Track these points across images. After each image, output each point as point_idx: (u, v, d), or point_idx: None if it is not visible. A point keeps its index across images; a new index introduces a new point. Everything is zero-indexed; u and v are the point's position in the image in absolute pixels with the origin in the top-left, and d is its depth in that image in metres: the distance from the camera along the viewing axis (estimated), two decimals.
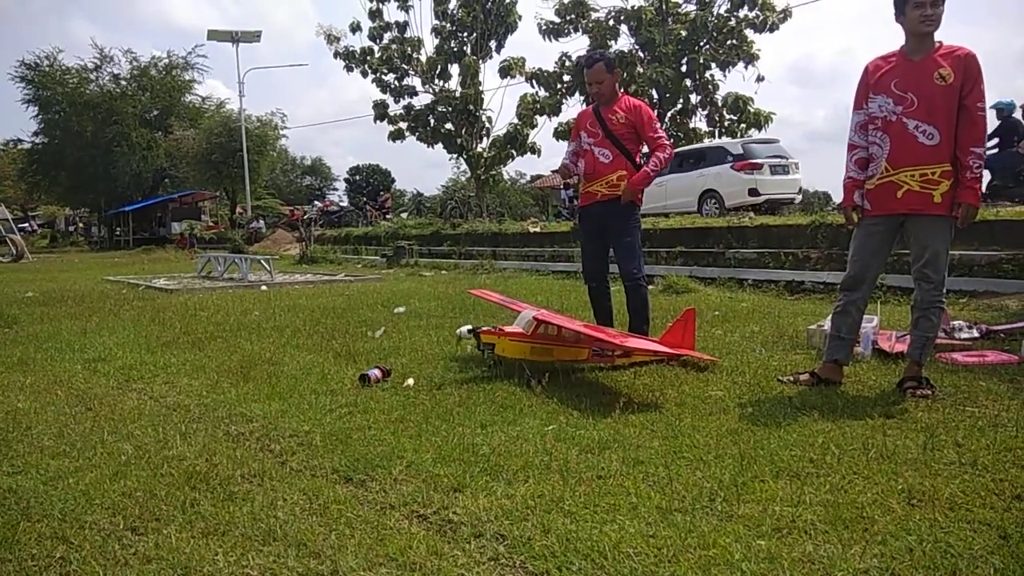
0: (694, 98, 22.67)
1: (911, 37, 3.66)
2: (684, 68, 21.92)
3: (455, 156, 28.38)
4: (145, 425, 3.44)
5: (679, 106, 22.84)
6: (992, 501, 2.25)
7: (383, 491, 2.51)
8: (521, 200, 49.66)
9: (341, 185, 71.89)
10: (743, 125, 22.58)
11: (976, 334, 5.29)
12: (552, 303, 8.09)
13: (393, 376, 4.29)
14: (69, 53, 64.06)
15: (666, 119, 22.80)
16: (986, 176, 9.62)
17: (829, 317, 5.28)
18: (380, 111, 27.77)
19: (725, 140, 18.95)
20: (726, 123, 23.21)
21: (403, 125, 27.86)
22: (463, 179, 55.57)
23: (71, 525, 2.28)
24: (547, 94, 23.83)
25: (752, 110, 21.91)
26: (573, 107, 24.34)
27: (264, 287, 11.27)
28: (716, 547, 1.97)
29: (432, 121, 27.14)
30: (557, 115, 23.85)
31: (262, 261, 12.64)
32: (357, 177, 75.15)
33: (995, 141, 10.79)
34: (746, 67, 21.60)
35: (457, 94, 26.50)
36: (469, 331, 4.18)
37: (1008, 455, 2.68)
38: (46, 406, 3.85)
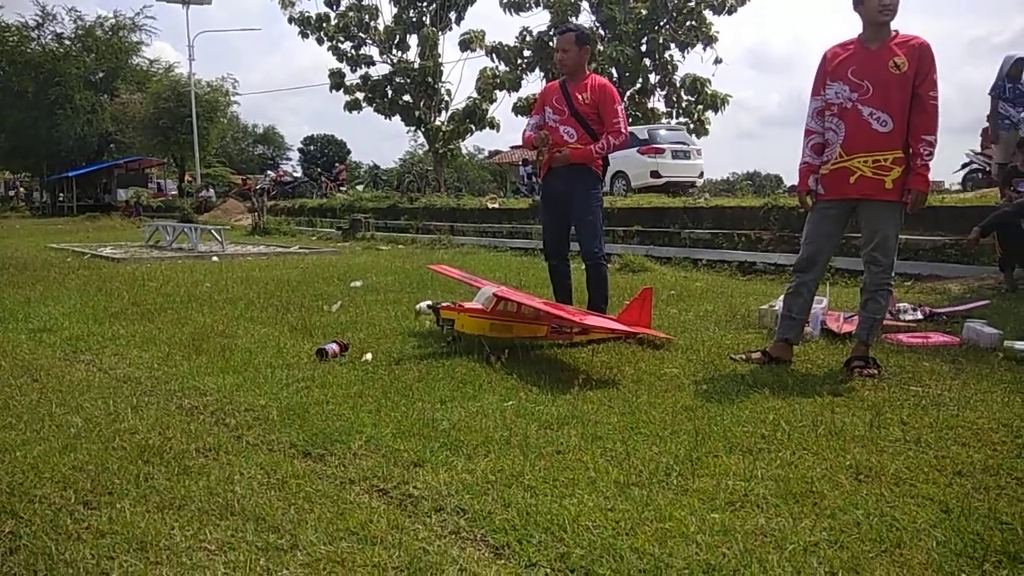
0: (653, 78, 22.76)
1: (869, 26, 3.73)
2: (644, 48, 21.99)
3: (413, 129, 28.05)
4: (95, 397, 3.36)
5: (638, 85, 22.93)
6: (935, 477, 2.34)
7: (342, 466, 2.50)
8: (479, 175, 49.36)
9: (295, 155, 70.47)
10: (700, 106, 22.80)
11: (920, 316, 5.46)
12: (511, 280, 8.10)
13: (351, 351, 4.25)
14: (9, 9, 61.29)
15: (625, 98, 22.86)
16: None
17: (780, 298, 5.41)
18: (336, 80, 27.26)
19: (634, 127, 19.55)
20: (684, 104, 23.40)
21: (360, 96, 27.40)
22: (420, 152, 55.04)
23: (20, 499, 2.23)
24: (507, 69, 23.67)
25: (709, 92, 22.12)
26: (533, 83, 24.26)
27: (215, 258, 11.05)
28: (672, 520, 2.02)
29: (390, 92, 26.75)
30: (517, 91, 23.75)
31: (213, 231, 12.38)
32: (312, 147, 73.85)
33: None
34: (704, 49, 21.79)
35: (416, 66, 26.13)
36: (428, 307, 4.17)
37: (950, 433, 2.79)
38: None
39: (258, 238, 16.68)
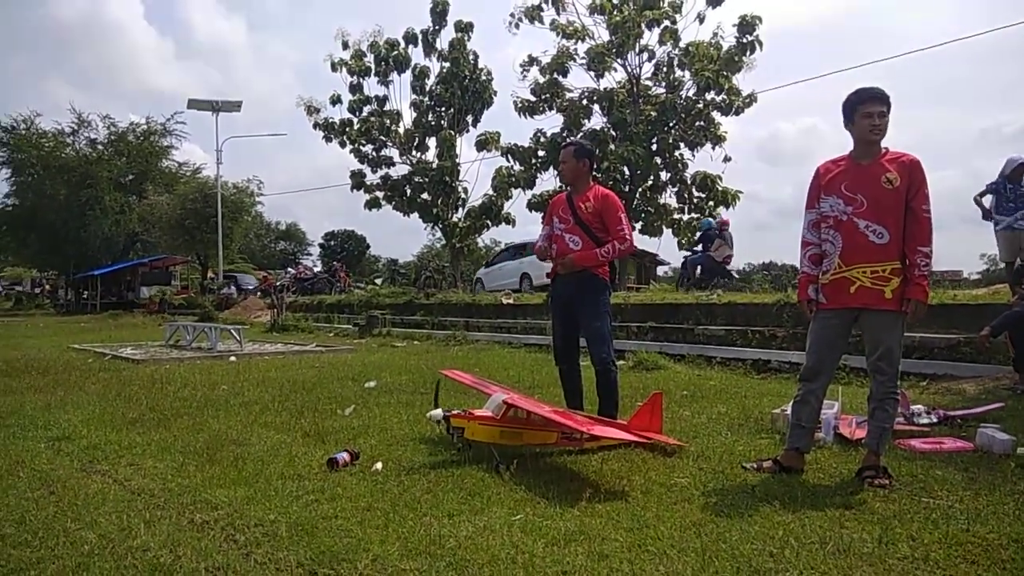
0: (664, 175, 23.29)
1: (860, 144, 3.90)
2: (654, 147, 22.60)
3: (431, 225, 28.67)
4: (109, 511, 3.40)
5: (649, 182, 23.45)
6: None
7: None
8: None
9: (316, 250, 71.91)
10: (711, 203, 23.22)
11: (934, 419, 5.42)
12: (524, 379, 8.16)
13: (361, 459, 4.29)
14: (47, 117, 64.38)
15: (636, 195, 23.38)
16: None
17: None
18: (357, 180, 28.14)
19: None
20: (695, 200, 23.85)
21: (379, 194, 28.22)
22: (438, 246, 56.02)
23: None
24: (522, 168, 24.37)
25: (720, 188, 22.58)
26: (547, 181, 24.88)
27: (233, 358, 11.20)
28: None
29: (408, 191, 27.53)
30: (531, 188, 24.32)
31: (232, 331, 12.58)
32: (332, 242, 75.36)
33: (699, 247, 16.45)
34: (713, 148, 22.32)
35: (434, 166, 26.98)
36: (440, 418, 4.21)
37: (959, 550, 2.76)
38: (7, 490, 3.80)
39: (276, 335, 16.89)
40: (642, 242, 26.81)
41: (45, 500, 3.63)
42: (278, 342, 14.38)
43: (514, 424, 4.28)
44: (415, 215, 28.48)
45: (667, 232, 24.25)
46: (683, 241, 24.51)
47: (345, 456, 4.20)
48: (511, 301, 14.89)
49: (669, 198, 23.86)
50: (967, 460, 4.25)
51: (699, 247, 16.38)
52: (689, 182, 23.01)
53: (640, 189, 23.37)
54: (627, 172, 23.08)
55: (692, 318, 11.03)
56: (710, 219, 18.15)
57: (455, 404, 4.47)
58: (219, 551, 2.89)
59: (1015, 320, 6.54)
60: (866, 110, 3.81)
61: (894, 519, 3.17)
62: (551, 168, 24.00)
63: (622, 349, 10.43)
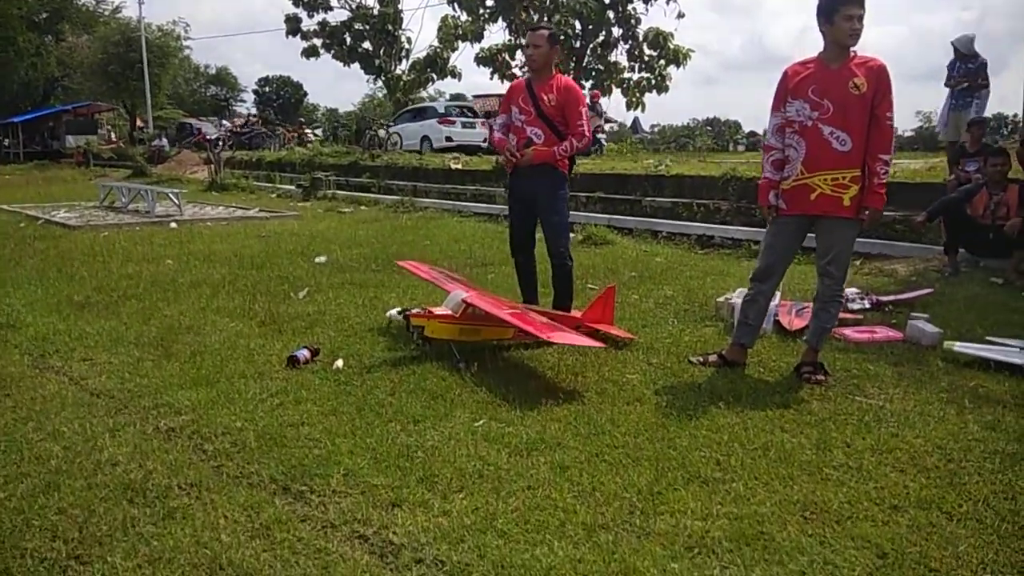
0: (616, 32, 22.50)
1: (833, 46, 3.82)
2: (607, 1, 21.70)
3: (373, 77, 27.47)
4: (70, 418, 3.40)
5: (600, 38, 22.68)
6: (874, 513, 2.55)
7: (323, 505, 2.62)
8: None
9: (249, 96, 68.33)
10: (662, 61, 22.70)
11: (867, 305, 5.71)
12: (475, 253, 8.21)
13: (321, 355, 4.33)
14: None
15: (588, 51, 22.65)
16: None
17: (736, 291, 5.62)
18: (293, 26, 26.49)
19: (435, 102, 25.80)
20: (646, 58, 23.26)
21: (317, 42, 26.70)
22: (379, 96, 53.78)
23: (11, 554, 2.31)
24: (468, 19, 23.21)
25: (672, 46, 22.01)
26: (495, 34, 23.89)
27: (174, 224, 10.89)
28: (636, 572, 2.19)
29: (348, 39, 26.10)
30: (479, 41, 23.31)
31: (170, 194, 12.13)
32: (267, 88, 71.66)
33: None
34: (667, 2, 21.55)
35: (375, 12, 25.49)
36: (399, 312, 4.23)
37: (889, 457, 3.01)
38: None
39: (215, 195, 16.37)
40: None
41: (1, 403, 3.60)
42: (219, 204, 13.96)
43: (473, 321, 4.34)
44: (356, 66, 27.21)
45: (616, 91, 23.85)
46: (631, 101, 24.16)
47: (305, 353, 4.23)
48: (459, 166, 14.65)
49: (620, 56, 23.24)
50: (897, 352, 4.54)
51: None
52: (641, 39, 22.36)
53: (591, 45, 22.64)
54: (578, 26, 22.24)
55: (640, 190, 11.10)
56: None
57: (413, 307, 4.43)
58: (189, 464, 2.95)
59: (949, 206, 6.78)
60: (848, 12, 3.70)
61: (830, 422, 3.40)
62: (500, 20, 22.95)
63: (573, 221, 10.48)
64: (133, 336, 4.78)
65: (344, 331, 4.93)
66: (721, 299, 5.48)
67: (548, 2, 21.48)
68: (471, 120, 21.86)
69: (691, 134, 74.09)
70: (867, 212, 3.85)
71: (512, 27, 22.86)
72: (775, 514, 2.55)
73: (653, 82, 23.00)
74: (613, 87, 23.31)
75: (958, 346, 4.38)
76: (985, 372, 4.11)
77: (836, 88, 3.79)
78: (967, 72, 8.40)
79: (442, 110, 22.16)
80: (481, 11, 22.87)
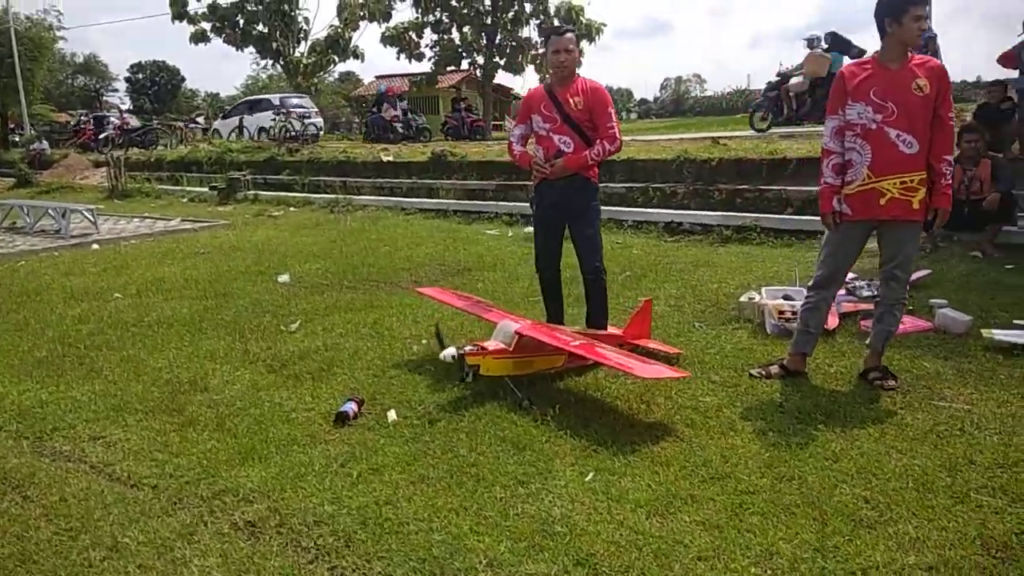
0: (528, 7, 22.24)
1: (897, 46, 3.71)
2: None
3: (271, 62, 26.14)
4: (123, 522, 2.92)
5: (511, 14, 22.34)
6: None
7: None
8: (332, 102, 46.74)
9: (122, 85, 64.02)
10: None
11: (874, 292, 5.75)
12: (447, 259, 7.84)
13: (366, 404, 3.96)
14: None
15: (499, 29, 22.28)
16: None
17: (756, 288, 5.56)
18: (178, 9, 24.76)
19: (271, 95, 25.91)
20: None
21: (206, 26, 25.09)
22: (264, 77, 51.33)
23: None
24: None
25: (584, 21, 21.95)
26: (402, 11, 23.11)
27: (96, 245, 9.95)
28: None
29: (241, 22, 24.64)
30: (387, 21, 22.52)
31: (83, 211, 11.05)
32: (140, 75, 67.45)
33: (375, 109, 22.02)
34: None
35: None
36: (455, 353, 3.89)
37: (1020, 473, 2.96)
38: None
39: (119, 204, 15.12)
40: (505, 79, 25.99)
41: (24, 512, 3.06)
42: (132, 216, 12.86)
43: (525, 353, 4.06)
44: (250, 49, 25.79)
45: (530, 68, 23.64)
46: (545, 77, 23.98)
47: (353, 407, 3.84)
48: (391, 158, 14.08)
49: (532, 31, 23.01)
50: (934, 343, 4.58)
51: (375, 108, 21.54)
52: (553, 13, 22.17)
53: (502, 21, 22.27)
54: (488, 2, 21.82)
55: None
56: (383, 86, 23.23)
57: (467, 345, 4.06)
58: (298, 569, 2.56)
59: None
60: (917, 12, 3.60)
61: (933, 435, 3.35)
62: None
63: (522, 212, 10.26)
64: (134, 400, 4.23)
65: (369, 371, 4.54)
66: (744, 299, 5.40)
67: None
68: (306, 111, 22.50)
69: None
70: (936, 212, 3.80)
71: (421, 5, 22.19)
72: (965, 557, 2.43)
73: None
74: (525, 64, 23.09)
75: (998, 334, 4.45)
76: (1019, 357, 4.18)
77: (900, 89, 3.70)
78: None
79: (278, 102, 22.99)
80: None
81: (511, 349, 4.01)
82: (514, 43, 22.97)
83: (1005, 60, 8.09)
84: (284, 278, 7.36)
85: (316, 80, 26.16)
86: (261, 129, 21.77)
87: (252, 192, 14.63)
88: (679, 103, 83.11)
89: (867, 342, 4.17)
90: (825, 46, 12.37)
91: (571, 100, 4.50)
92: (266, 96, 25.73)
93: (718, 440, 3.41)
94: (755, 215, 8.44)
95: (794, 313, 4.88)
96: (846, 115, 3.84)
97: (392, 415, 3.82)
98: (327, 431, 3.71)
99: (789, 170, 9.28)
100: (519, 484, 3.09)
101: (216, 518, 2.95)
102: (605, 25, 22.51)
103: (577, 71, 4.62)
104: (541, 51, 23.13)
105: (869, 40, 9.23)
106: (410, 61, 24.45)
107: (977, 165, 6.75)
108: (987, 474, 2.98)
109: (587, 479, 3.11)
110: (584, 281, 4.78)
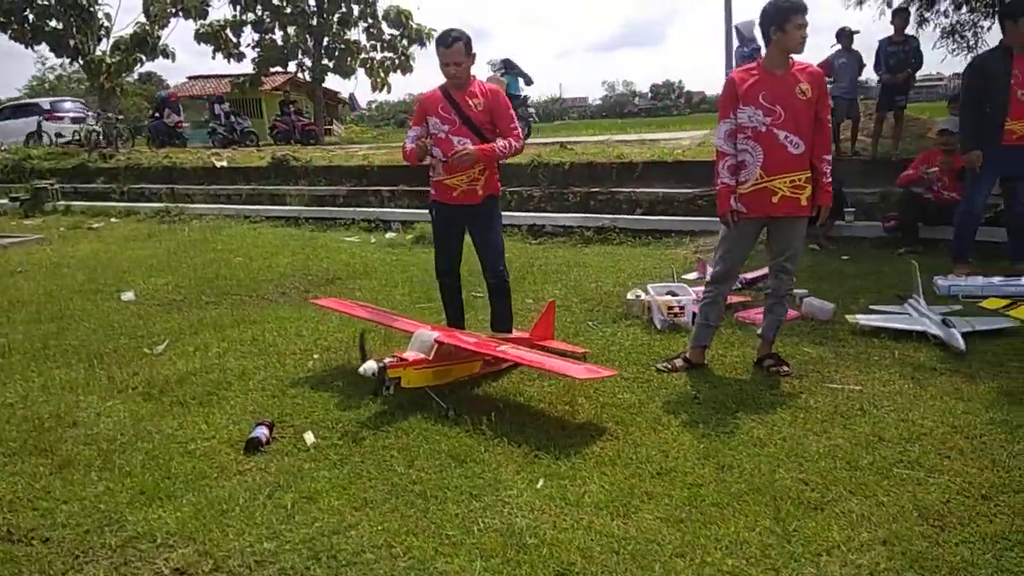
0: (356, 9, 21.73)
1: (781, 53, 3.96)
2: None
3: (69, 60, 23.67)
4: None
5: (337, 16, 21.71)
6: (983, 507, 2.75)
7: None
8: (134, 104, 42.93)
9: None
10: (405, 40, 22.40)
11: (739, 284, 6.15)
12: (312, 268, 7.47)
13: (276, 427, 3.65)
14: None
15: (326, 30, 21.59)
16: None
17: (638, 288, 5.76)
18: None
19: (41, 100, 25.02)
20: (386, 37, 22.78)
21: None
22: (52, 77, 46.39)
23: None
24: None
25: (414, 25, 21.80)
26: (219, 9, 21.79)
27: None
28: None
29: (31, 16, 22.10)
30: (203, 17, 21.12)
31: None
32: None
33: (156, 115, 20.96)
34: None
35: None
36: (377, 367, 3.66)
37: (928, 446, 3.26)
38: None
39: None
40: (334, 82, 25.20)
41: None
42: None
43: (444, 361, 3.93)
44: (44, 47, 23.23)
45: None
46: (377, 80, 23.52)
47: (265, 432, 3.53)
48: (224, 164, 13.20)
49: (360, 34, 22.51)
50: (806, 330, 4.96)
51: (157, 114, 20.59)
52: (382, 17, 21.83)
53: (329, 23, 21.59)
54: (313, 3, 21.10)
55: None
56: (163, 91, 23.11)
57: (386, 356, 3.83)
58: None
59: None
60: (799, 21, 3.85)
61: (838, 416, 3.61)
62: None
63: (390, 220, 10.02)
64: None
65: (264, 391, 4.20)
66: (631, 296, 5.56)
67: None
68: (82, 115, 21.40)
69: (410, 110, 74.78)
70: (819, 209, 4.10)
71: (239, 2, 21.02)
72: (910, 528, 2.63)
73: (397, 62, 22.65)
74: (356, 67, 22.55)
75: (862, 319, 4.90)
76: (887, 340, 4.64)
77: (785, 94, 3.96)
78: (743, 56, 9.34)
79: (48, 107, 22.17)
80: None
81: (430, 358, 3.86)
82: (342, 45, 22.37)
83: (822, 69, 8.96)
84: (128, 295, 6.67)
85: (120, 80, 23.98)
86: (31, 133, 20.04)
87: (62, 203, 13.15)
88: None
89: (758, 331, 4.44)
90: (502, 71, 15.29)
91: (470, 102, 4.42)
92: (35, 100, 24.37)
93: (650, 435, 3.48)
94: (612, 216, 8.77)
95: (682, 308, 5.13)
96: (737, 118, 4.06)
97: (310, 437, 3.55)
98: (238, 460, 3.38)
99: (636, 173, 9.74)
100: (471, 498, 2.97)
101: (135, 568, 2.59)
102: (435, 30, 22.48)
103: (472, 76, 4.52)
104: (372, 55, 22.77)
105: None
106: (228, 61, 23.13)
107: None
108: (898, 449, 3.25)
109: (539, 486, 3.04)
110: (488, 285, 4.72)
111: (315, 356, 4.80)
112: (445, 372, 3.95)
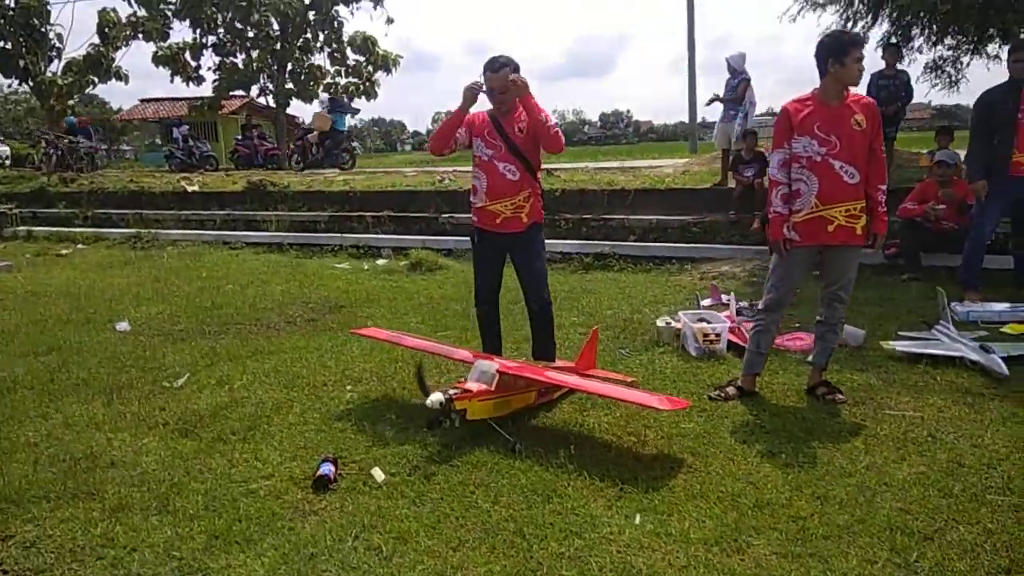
0: (321, 35, 21.54)
1: (837, 85, 4.00)
2: (307, 1, 20.61)
3: (17, 82, 22.82)
4: None
5: (301, 42, 21.47)
6: None
7: None
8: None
9: None
10: (371, 67, 22.28)
11: (753, 312, 6.17)
12: (311, 296, 7.25)
13: (339, 463, 3.47)
14: None
15: (289, 54, 21.32)
16: None
17: (669, 315, 5.73)
18: None
19: None
20: (350, 62, 22.62)
21: None
22: None
23: None
24: (147, 14, 20.40)
25: (380, 51, 21.71)
26: (180, 31, 21.38)
27: None
28: None
29: None
30: (164, 40, 20.66)
31: None
32: None
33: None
34: (375, 7, 21.20)
35: (13, 3, 21.15)
36: (443, 402, 3.52)
37: (1006, 469, 3.28)
38: None
39: None
40: (298, 108, 24.88)
41: None
42: None
43: (504, 392, 3.81)
44: None
45: (324, 96, 22.81)
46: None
47: (330, 468, 3.34)
48: (196, 188, 12.82)
49: (324, 60, 22.29)
50: (839, 356, 4.91)
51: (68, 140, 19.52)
52: (347, 42, 21.67)
53: (292, 47, 21.34)
54: (277, 26, 20.85)
55: (433, 205, 10.78)
56: (72, 118, 21.80)
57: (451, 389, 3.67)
58: None
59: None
60: (858, 54, 3.91)
61: (906, 441, 3.61)
62: (187, 19, 20.54)
63: (379, 246, 9.83)
64: (27, 486, 3.34)
65: (307, 425, 4.01)
66: (661, 324, 5.53)
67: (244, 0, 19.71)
68: None
69: (360, 134, 74.32)
70: (876, 238, 4.13)
71: (200, 26, 20.62)
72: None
73: (362, 87, 22.50)
74: (319, 91, 22.29)
75: (898, 346, 4.95)
76: (927, 366, 4.68)
77: (841, 125, 3.99)
78: (732, 87, 9.52)
79: None
80: (162, 6, 20.27)
81: (492, 389, 3.74)
82: (306, 70, 22.14)
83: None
84: (123, 326, 6.35)
85: (73, 103, 23.25)
86: None
87: (23, 228, 12.56)
88: None
89: (810, 359, 4.44)
90: (328, 107, 18.63)
91: (516, 128, 4.35)
92: None
93: (731, 466, 3.41)
94: (611, 243, 8.77)
95: (717, 336, 5.11)
96: (792, 148, 4.08)
97: (379, 473, 3.38)
98: (308, 500, 3.19)
99: (628, 200, 9.79)
100: (572, 535, 2.85)
101: None
102: (402, 57, 22.45)
103: (518, 102, 4.43)
104: (336, 80, 22.57)
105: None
106: (187, 84, 22.62)
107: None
108: (982, 475, 3.24)
109: (636, 521, 2.94)
110: (530, 313, 4.62)
111: (348, 387, 4.62)
112: (505, 403, 3.83)
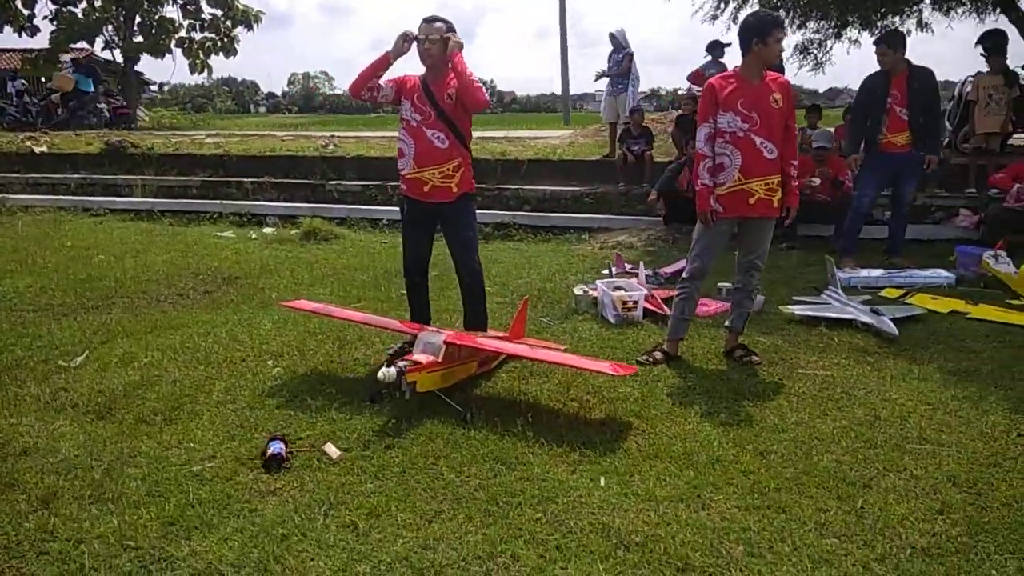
0: None
1: (759, 65, 4.21)
2: None
3: None
4: None
5: None
6: (1001, 474, 3.12)
7: None
8: None
9: None
10: (229, 21, 20.97)
11: (663, 280, 6.45)
12: (201, 267, 6.83)
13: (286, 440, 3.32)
14: None
15: (138, 5, 19.66)
16: None
17: (585, 284, 5.86)
18: None
19: None
20: (205, 16, 21.18)
21: None
22: None
23: None
24: None
25: (240, 7, 20.46)
26: None
27: None
28: None
29: None
30: None
31: None
32: None
33: None
34: None
35: None
36: (397, 371, 3.43)
37: (912, 423, 3.63)
38: None
39: None
40: (148, 64, 22.96)
41: None
42: None
43: (450, 363, 3.78)
44: None
45: (178, 52, 21.26)
46: (195, 63, 21.76)
47: (280, 446, 3.19)
48: (44, 149, 11.63)
49: (175, 12, 20.72)
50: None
51: None
52: None
53: None
54: None
55: (318, 172, 10.39)
56: None
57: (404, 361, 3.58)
58: None
59: (665, 184, 7.98)
60: (779, 35, 4.11)
61: (822, 397, 3.92)
62: None
63: (267, 214, 9.36)
64: None
65: (237, 403, 3.81)
66: (579, 292, 5.65)
67: None
68: None
69: (209, 95, 69.69)
70: (789, 210, 4.41)
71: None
72: (959, 497, 2.93)
73: (219, 43, 21.14)
74: (172, 46, 20.74)
75: (796, 310, 5.34)
76: (824, 328, 5.08)
77: (761, 102, 4.21)
78: (618, 62, 9.77)
79: None
80: None
81: (440, 360, 3.69)
82: (157, 22, 20.52)
83: (694, 78, 9.59)
84: None
85: None
86: None
87: None
88: (309, 99, 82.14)
89: (727, 324, 4.70)
90: (71, 68, 19.26)
91: (445, 94, 4.26)
92: None
93: (673, 427, 3.56)
94: (513, 213, 8.82)
95: (635, 303, 5.30)
96: (717, 123, 4.26)
97: (333, 450, 3.26)
98: (263, 479, 3.04)
99: (523, 171, 9.87)
100: (548, 500, 2.89)
101: None
102: (263, 13, 21.26)
103: (448, 66, 4.32)
104: (192, 34, 21.10)
105: None
106: (19, 34, 20.38)
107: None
108: (897, 427, 3.56)
109: (601, 484, 3.03)
110: (462, 284, 4.59)
111: (269, 362, 4.41)
112: (451, 374, 3.80)
